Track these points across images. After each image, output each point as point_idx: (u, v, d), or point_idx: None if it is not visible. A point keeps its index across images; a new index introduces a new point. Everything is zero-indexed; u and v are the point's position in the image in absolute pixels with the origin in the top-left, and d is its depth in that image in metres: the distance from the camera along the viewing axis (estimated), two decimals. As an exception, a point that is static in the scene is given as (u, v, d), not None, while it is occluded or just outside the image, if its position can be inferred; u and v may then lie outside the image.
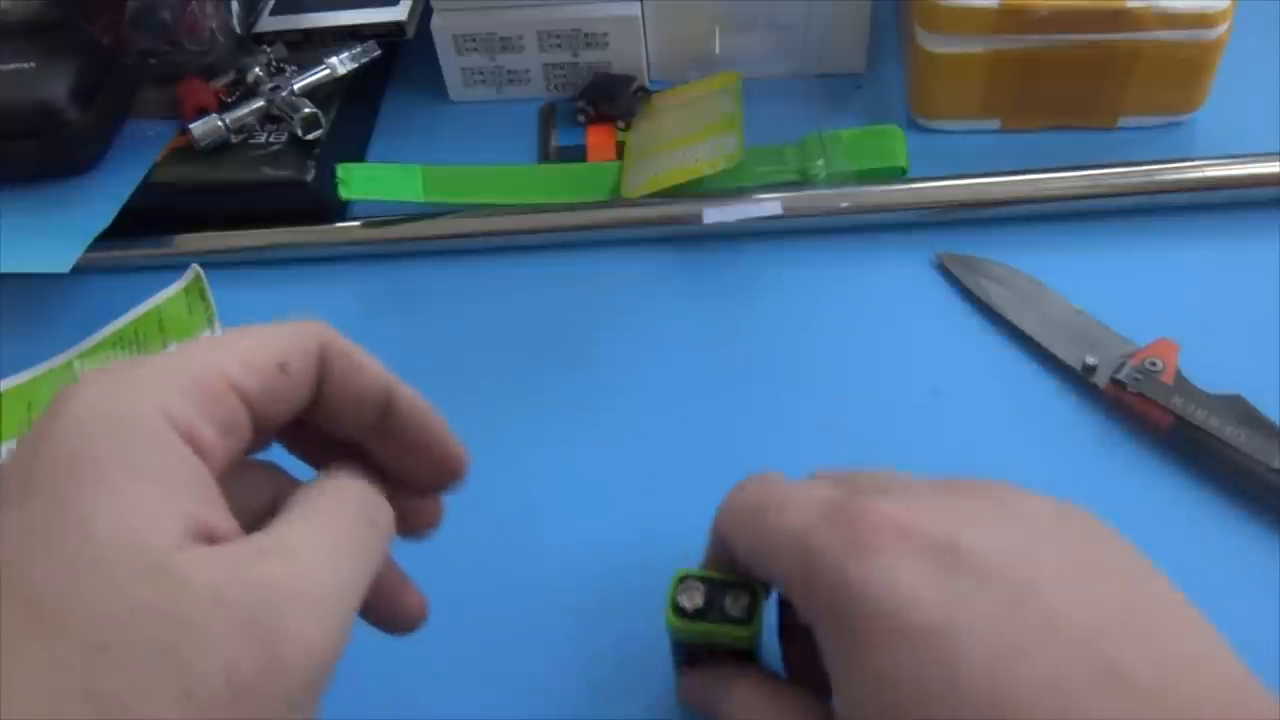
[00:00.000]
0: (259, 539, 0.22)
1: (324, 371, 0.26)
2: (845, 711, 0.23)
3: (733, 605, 0.29)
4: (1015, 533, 0.23)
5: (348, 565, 0.23)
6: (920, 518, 0.23)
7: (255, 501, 0.26)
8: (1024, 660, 0.21)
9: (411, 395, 0.27)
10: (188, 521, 0.21)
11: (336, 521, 0.24)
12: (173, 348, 0.24)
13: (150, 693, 0.19)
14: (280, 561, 0.22)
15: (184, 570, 0.20)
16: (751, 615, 0.29)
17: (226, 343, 0.24)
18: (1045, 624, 0.21)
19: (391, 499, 0.27)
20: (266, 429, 0.25)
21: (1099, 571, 0.23)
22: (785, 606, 0.31)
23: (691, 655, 0.31)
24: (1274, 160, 0.45)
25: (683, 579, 0.30)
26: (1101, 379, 0.39)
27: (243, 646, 0.20)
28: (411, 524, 0.29)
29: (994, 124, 0.50)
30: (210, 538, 0.21)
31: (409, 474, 0.28)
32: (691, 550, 0.31)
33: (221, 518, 0.22)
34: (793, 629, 0.30)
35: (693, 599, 0.29)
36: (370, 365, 0.26)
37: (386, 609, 0.28)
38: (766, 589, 0.29)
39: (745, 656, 0.30)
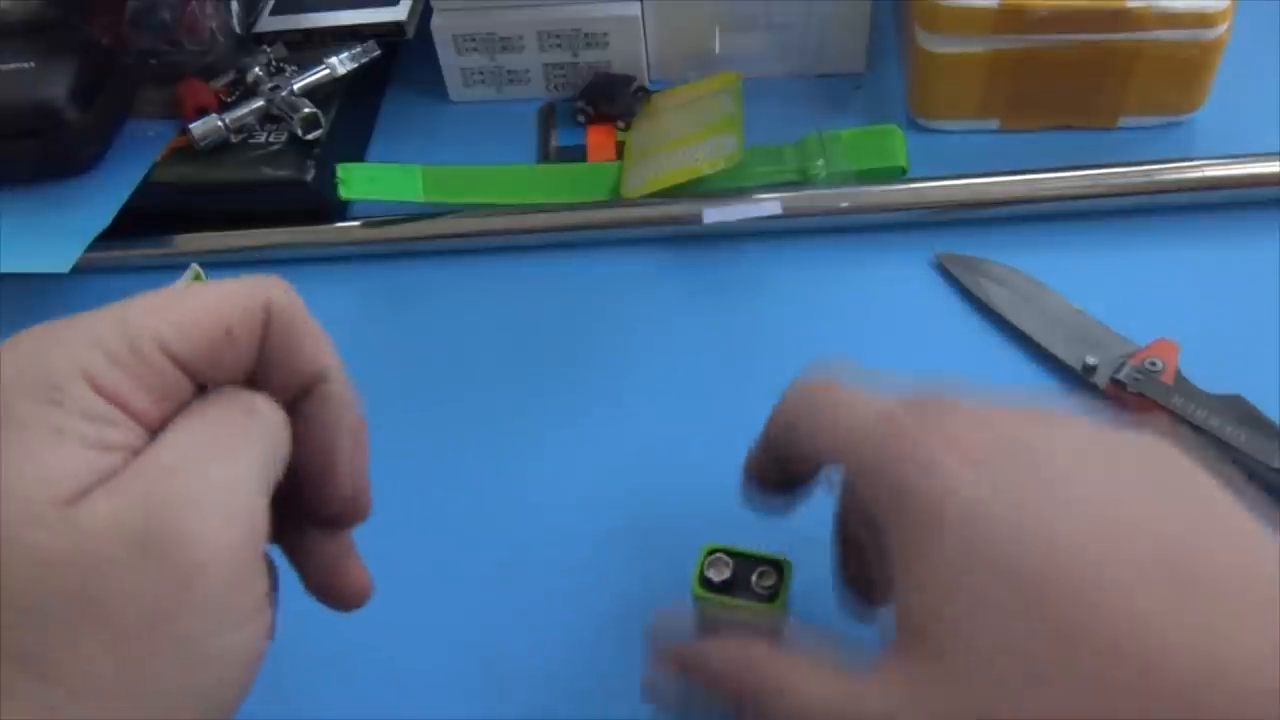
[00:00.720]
0: (143, 459, 0.22)
1: (269, 333, 0.25)
2: (910, 618, 0.23)
3: (759, 582, 0.29)
4: (1089, 448, 0.24)
5: (233, 456, 0.22)
6: (999, 424, 0.24)
7: None
8: (1101, 565, 0.21)
9: (342, 388, 0.27)
10: (104, 471, 0.21)
11: (214, 418, 0.23)
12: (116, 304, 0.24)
13: (76, 646, 0.19)
14: (164, 471, 0.21)
15: (86, 514, 0.20)
16: (777, 593, 0.29)
17: (168, 304, 0.23)
18: (1121, 530, 0.21)
19: (296, 531, 0.26)
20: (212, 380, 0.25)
21: (1172, 487, 0.23)
22: (844, 509, 0.31)
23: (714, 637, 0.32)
24: (1274, 160, 0.45)
25: (711, 552, 0.30)
26: (1101, 379, 0.39)
27: (145, 571, 0.20)
28: (336, 587, 0.28)
29: (994, 124, 0.50)
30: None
31: (308, 479, 0.26)
32: (691, 548, 0.31)
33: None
34: (850, 534, 0.30)
35: (720, 572, 0.30)
36: (311, 341, 0.26)
37: (328, 582, 0.27)
38: (789, 569, 0.30)
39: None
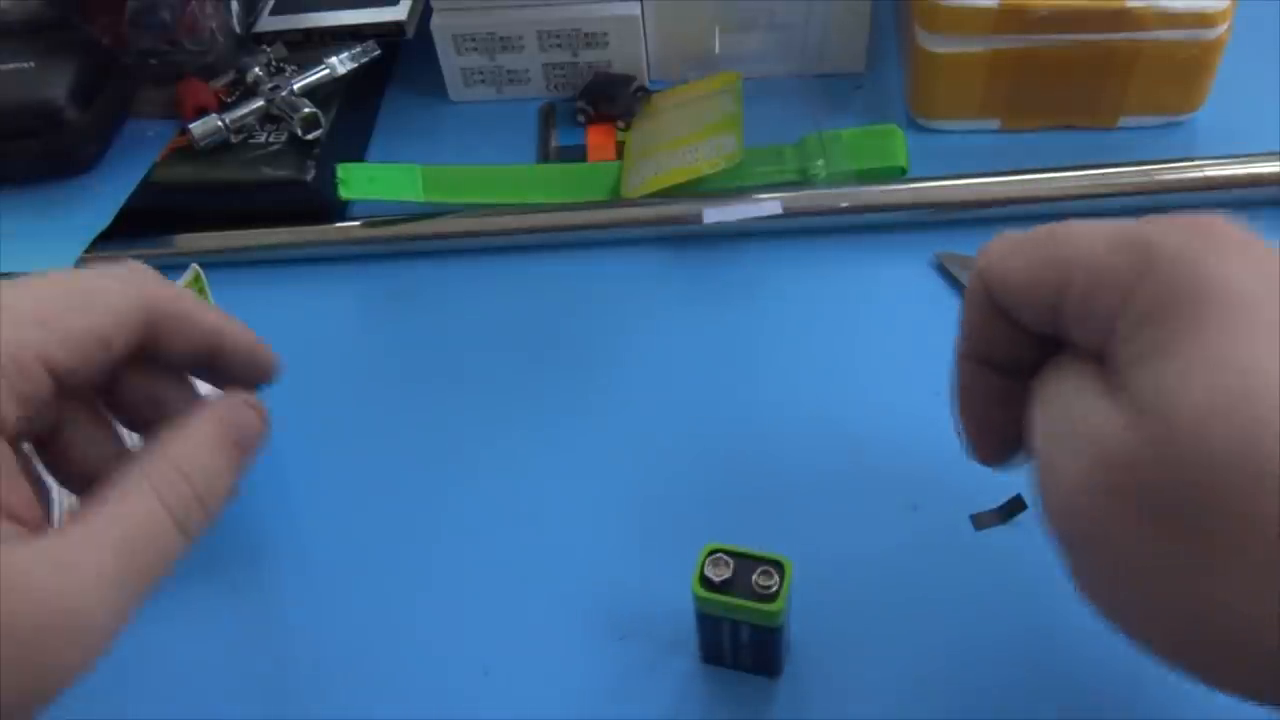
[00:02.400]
0: (44, 544, 0.22)
1: (153, 333, 0.26)
2: (1151, 398, 0.21)
3: (759, 582, 0.29)
4: None
5: (123, 586, 0.23)
6: (1266, 244, 0.23)
7: (92, 450, 0.27)
8: None
9: (240, 333, 0.28)
10: None
11: (130, 533, 0.23)
12: None
13: None
14: (55, 579, 0.21)
15: None
16: (778, 593, 0.29)
17: (56, 315, 0.24)
18: None
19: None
20: (73, 388, 0.25)
21: None
22: (973, 368, 0.30)
23: (714, 637, 0.32)
24: (1274, 160, 0.45)
25: (712, 552, 0.30)
26: (1101, 379, 0.39)
27: (9, 669, 0.20)
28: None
29: (994, 124, 0.50)
30: (9, 515, 0.22)
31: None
32: (692, 548, 0.31)
33: (12, 491, 0.22)
34: (981, 392, 0.30)
35: (720, 572, 0.30)
36: (198, 316, 0.27)
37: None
38: (790, 568, 0.30)
39: (769, 636, 0.30)
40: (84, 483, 0.26)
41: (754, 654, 0.32)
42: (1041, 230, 0.26)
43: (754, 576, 0.30)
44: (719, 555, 0.30)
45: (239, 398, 0.28)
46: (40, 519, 0.23)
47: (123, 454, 0.27)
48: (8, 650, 0.20)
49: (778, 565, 0.30)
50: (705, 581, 0.30)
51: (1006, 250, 0.27)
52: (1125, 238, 0.24)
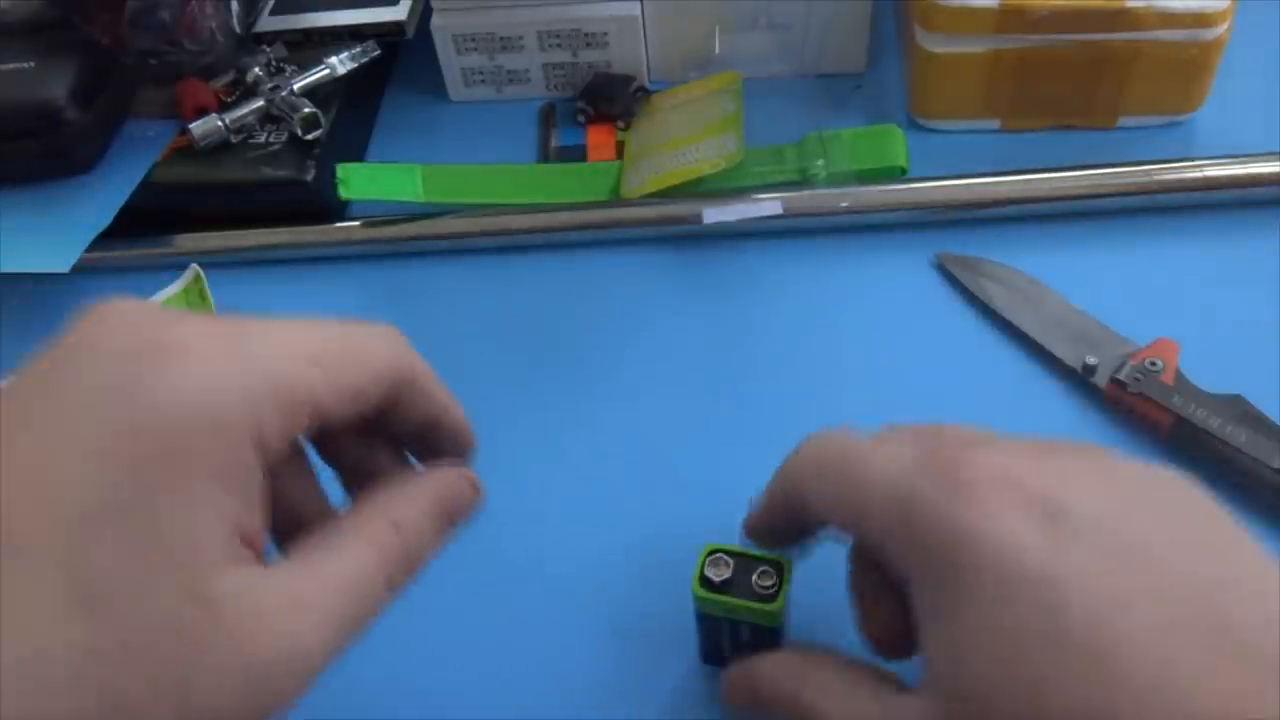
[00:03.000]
0: (280, 579, 0.23)
1: (393, 398, 0.26)
2: (940, 666, 0.23)
3: (760, 581, 0.29)
4: (1113, 490, 0.23)
5: (346, 629, 0.23)
6: (1021, 469, 0.23)
7: (301, 499, 0.27)
8: (1131, 610, 0.20)
9: (459, 416, 0.29)
10: (233, 530, 0.22)
11: (351, 579, 0.24)
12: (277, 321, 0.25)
13: (151, 708, 0.20)
14: (290, 617, 0.22)
15: (220, 606, 0.21)
16: (778, 592, 0.29)
17: (329, 357, 0.24)
18: (1151, 577, 0.21)
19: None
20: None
21: (1197, 532, 0.22)
22: (859, 567, 0.30)
23: (714, 637, 0.32)
24: (1274, 160, 0.45)
25: (712, 552, 0.30)
26: (1101, 379, 0.39)
27: (235, 697, 0.21)
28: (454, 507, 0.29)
29: (994, 124, 0.50)
30: (246, 540, 0.22)
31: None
32: (692, 547, 0.31)
33: (256, 518, 0.23)
34: (868, 591, 0.30)
35: (720, 572, 0.30)
36: (435, 391, 0.27)
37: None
38: (790, 568, 0.30)
39: (769, 636, 0.30)
40: (285, 529, 0.26)
41: (753, 654, 0.32)
42: (841, 450, 0.27)
43: (754, 577, 0.30)
44: (719, 555, 0.30)
45: (457, 470, 0.28)
46: (262, 548, 0.24)
47: (327, 510, 0.28)
48: (242, 681, 0.21)
49: (777, 565, 0.30)
50: (705, 582, 0.30)
51: (812, 469, 0.28)
52: (895, 492, 0.24)
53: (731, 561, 0.30)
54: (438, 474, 0.28)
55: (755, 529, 0.31)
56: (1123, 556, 0.21)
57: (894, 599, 0.27)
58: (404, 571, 0.25)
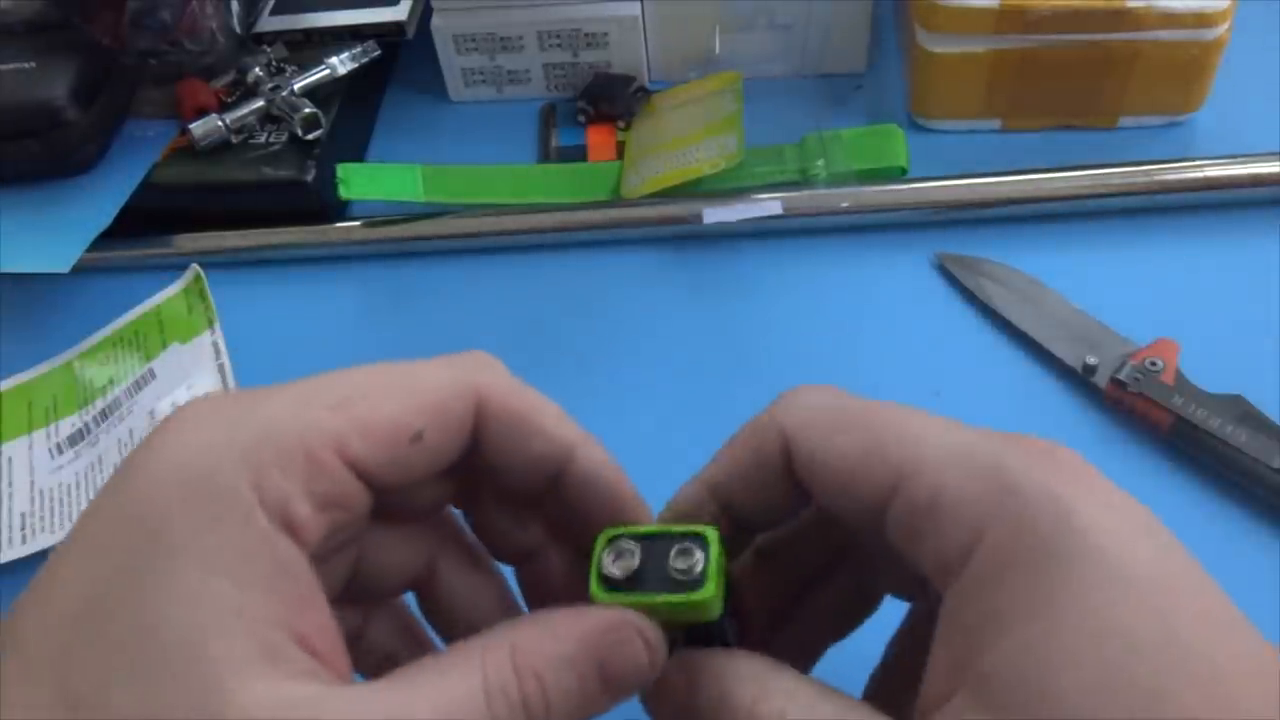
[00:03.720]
0: (363, 703, 0.18)
1: (480, 432, 0.22)
2: (1012, 670, 0.19)
3: (678, 565, 0.22)
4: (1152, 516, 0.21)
5: None
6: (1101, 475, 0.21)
7: (399, 560, 0.24)
8: (1233, 632, 0.19)
9: (595, 459, 0.23)
10: (261, 633, 0.18)
11: (439, 709, 0.19)
12: (291, 388, 0.21)
13: None
14: None
15: (236, 710, 0.17)
16: (705, 573, 0.22)
17: (353, 399, 0.21)
18: (1220, 598, 0.19)
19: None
20: (402, 492, 0.22)
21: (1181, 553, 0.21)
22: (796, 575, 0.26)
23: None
24: (1274, 160, 0.45)
25: (612, 539, 0.23)
26: (1101, 379, 0.39)
27: None
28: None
29: (994, 124, 0.50)
30: (300, 639, 0.19)
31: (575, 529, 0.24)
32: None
33: (312, 617, 0.19)
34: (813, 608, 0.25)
35: (625, 563, 0.22)
36: (546, 426, 0.23)
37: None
38: (718, 539, 0.23)
39: (707, 634, 0.24)
40: (463, 634, 0.22)
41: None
42: (861, 406, 0.22)
43: (670, 559, 0.22)
44: (620, 541, 0.23)
45: (627, 616, 0.22)
46: (341, 656, 0.20)
47: (507, 603, 0.25)
48: None
49: (698, 538, 0.23)
50: (605, 581, 0.22)
51: (825, 419, 0.23)
52: (979, 461, 0.20)
53: (637, 546, 0.23)
54: (599, 613, 0.22)
55: (692, 502, 0.25)
56: (1199, 571, 0.20)
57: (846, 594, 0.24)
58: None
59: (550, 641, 0.21)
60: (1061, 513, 0.19)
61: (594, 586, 0.23)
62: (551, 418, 0.23)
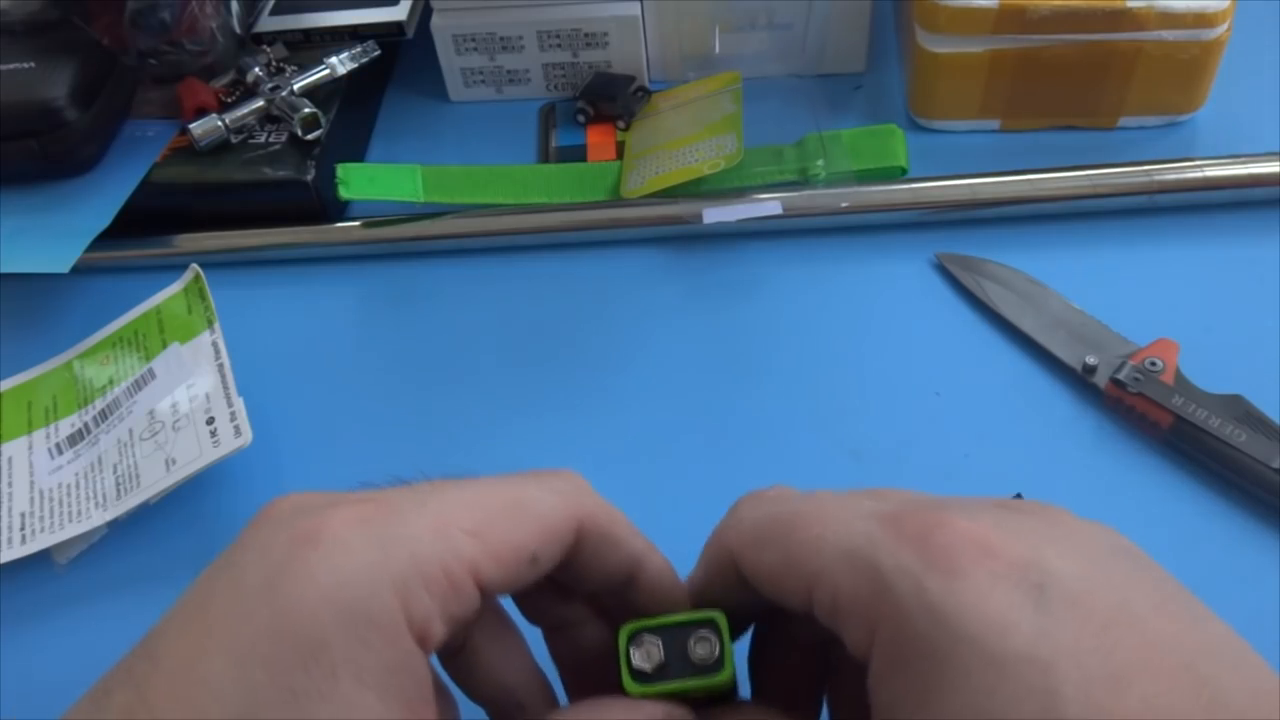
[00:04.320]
0: None
1: (576, 548, 0.25)
2: None
3: (698, 650, 0.25)
4: (1086, 553, 0.21)
5: None
6: (994, 534, 0.21)
7: (501, 660, 0.26)
8: (1128, 689, 0.19)
9: (660, 567, 0.26)
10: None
11: None
12: (420, 502, 0.23)
13: None
14: None
15: None
16: (722, 657, 0.25)
17: (487, 526, 0.23)
18: (1140, 648, 0.19)
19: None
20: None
21: (1165, 594, 0.21)
22: (784, 642, 0.28)
23: None
24: (1274, 160, 0.45)
25: (634, 634, 0.25)
26: (1101, 379, 0.39)
27: None
28: None
29: (994, 124, 0.50)
30: None
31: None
32: (692, 551, 0.31)
33: (423, 709, 0.21)
34: (796, 667, 0.27)
35: (650, 655, 0.25)
36: (625, 540, 0.25)
37: None
38: (730, 621, 0.26)
39: (723, 692, 0.26)
40: (492, 693, 0.25)
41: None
42: (786, 514, 0.24)
43: (690, 645, 0.25)
44: (642, 636, 0.25)
45: (672, 712, 0.24)
46: None
47: (533, 670, 0.27)
48: None
49: (711, 625, 0.25)
50: (638, 675, 0.25)
51: (754, 536, 0.25)
52: (861, 564, 0.22)
53: (659, 640, 0.25)
54: (643, 707, 0.24)
55: (697, 595, 0.27)
56: (1110, 627, 0.20)
57: (806, 670, 0.26)
58: None
59: None
60: (932, 608, 0.20)
61: (627, 681, 0.25)
62: (628, 532, 0.26)
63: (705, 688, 0.25)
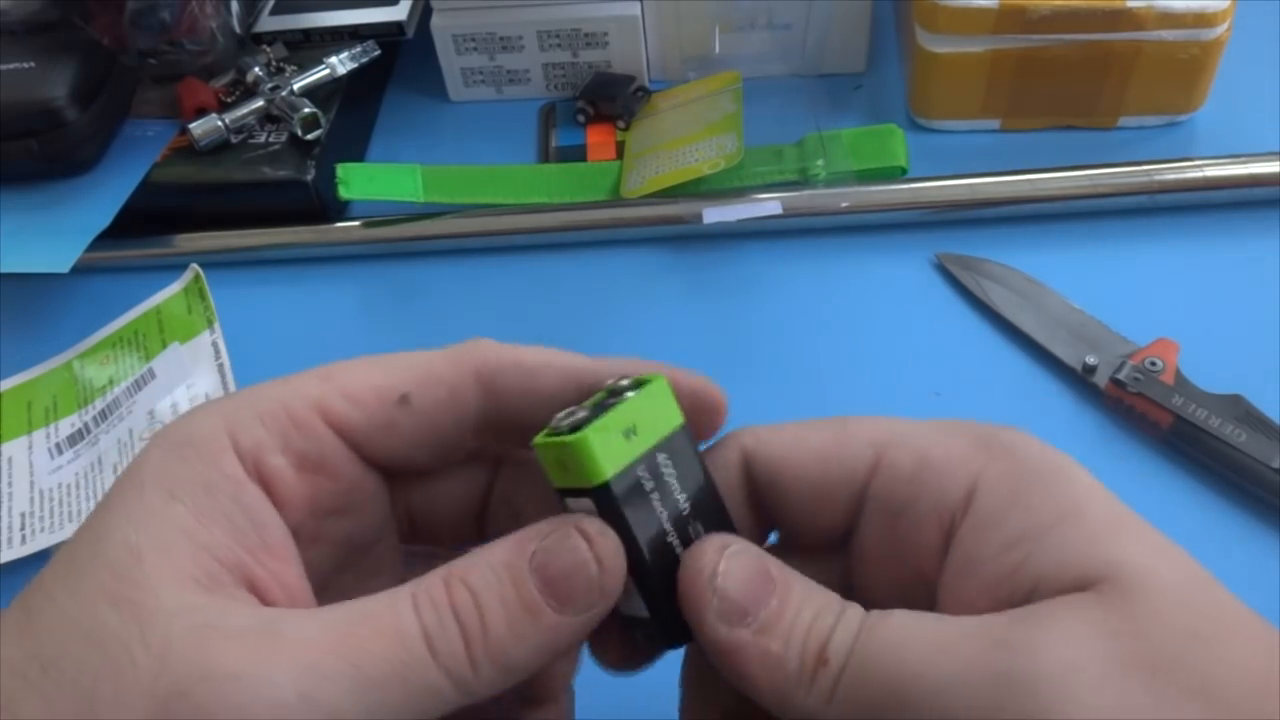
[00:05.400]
0: (268, 618, 0.19)
1: (492, 390, 0.22)
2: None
3: (582, 414, 0.20)
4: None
5: (350, 687, 0.18)
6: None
7: (452, 509, 0.24)
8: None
9: (620, 369, 0.22)
10: (203, 560, 0.19)
11: (368, 632, 0.19)
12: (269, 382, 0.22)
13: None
14: (253, 655, 0.18)
15: (152, 619, 0.18)
16: (587, 422, 0.20)
17: (346, 370, 0.22)
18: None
19: None
20: (405, 468, 0.22)
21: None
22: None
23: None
24: (1274, 160, 0.45)
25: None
26: (1101, 379, 0.39)
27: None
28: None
29: (994, 124, 0.50)
30: (249, 583, 0.19)
31: None
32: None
33: (273, 567, 0.20)
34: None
35: (572, 419, 0.20)
36: (549, 363, 0.22)
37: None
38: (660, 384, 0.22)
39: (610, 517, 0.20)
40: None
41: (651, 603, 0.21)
42: (824, 420, 0.23)
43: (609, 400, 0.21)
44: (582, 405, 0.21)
45: (569, 521, 0.20)
46: (279, 600, 0.20)
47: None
48: (157, 704, 0.17)
49: (640, 383, 0.21)
50: (553, 432, 0.20)
51: (785, 429, 0.23)
52: (951, 429, 0.21)
53: (590, 407, 0.21)
54: (542, 525, 0.20)
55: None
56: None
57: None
58: (461, 653, 0.19)
59: (482, 553, 0.20)
60: (1029, 446, 0.21)
61: (540, 438, 0.21)
62: (552, 356, 0.22)
63: (556, 448, 0.20)
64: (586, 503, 0.20)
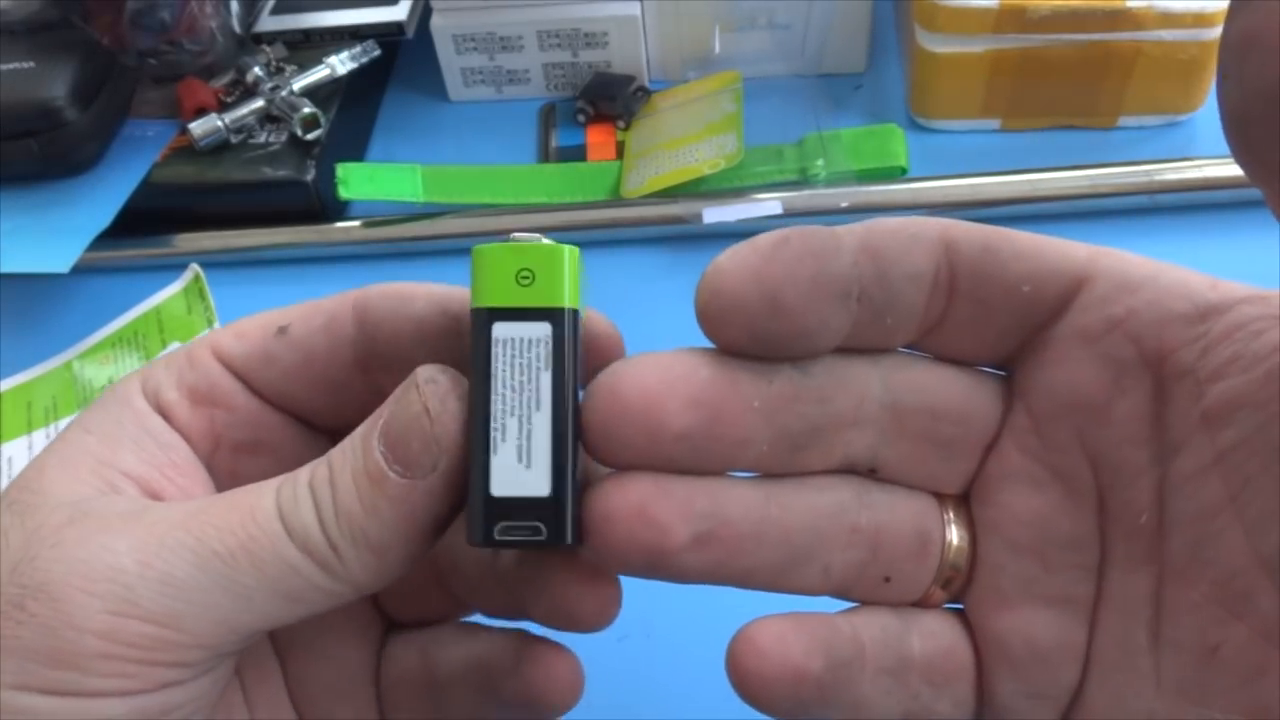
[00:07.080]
0: (129, 503, 0.20)
1: (365, 320, 0.22)
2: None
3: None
4: None
5: (193, 561, 0.18)
6: None
7: None
8: None
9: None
10: (106, 474, 0.20)
11: (221, 510, 0.19)
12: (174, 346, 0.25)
13: None
14: (106, 532, 0.19)
15: (39, 511, 0.19)
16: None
17: (256, 314, 0.24)
18: None
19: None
20: (296, 399, 0.23)
21: None
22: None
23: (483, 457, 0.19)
24: (1274, 160, 0.45)
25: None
26: (1101, 379, 0.39)
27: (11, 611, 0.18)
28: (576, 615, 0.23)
29: (994, 124, 0.50)
30: (152, 495, 0.21)
31: None
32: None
33: (180, 484, 0.21)
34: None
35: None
36: (422, 292, 0.22)
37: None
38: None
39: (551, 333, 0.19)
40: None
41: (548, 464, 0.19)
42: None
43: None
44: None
45: (418, 376, 0.19)
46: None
47: None
48: (6, 572, 0.18)
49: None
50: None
51: (991, 229, 0.21)
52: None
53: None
54: (399, 389, 0.20)
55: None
56: None
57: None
58: (310, 516, 0.19)
59: (340, 447, 0.20)
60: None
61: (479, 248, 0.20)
62: (431, 285, 0.22)
63: (531, 251, 0.19)
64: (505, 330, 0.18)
